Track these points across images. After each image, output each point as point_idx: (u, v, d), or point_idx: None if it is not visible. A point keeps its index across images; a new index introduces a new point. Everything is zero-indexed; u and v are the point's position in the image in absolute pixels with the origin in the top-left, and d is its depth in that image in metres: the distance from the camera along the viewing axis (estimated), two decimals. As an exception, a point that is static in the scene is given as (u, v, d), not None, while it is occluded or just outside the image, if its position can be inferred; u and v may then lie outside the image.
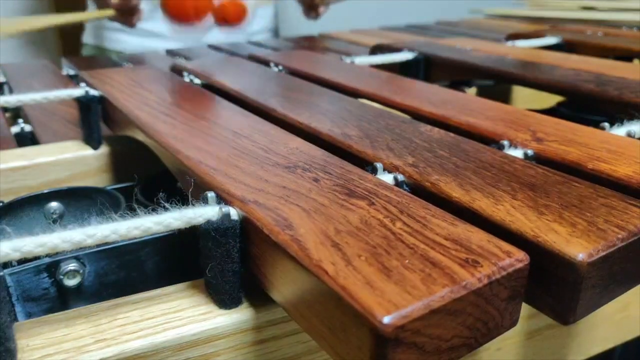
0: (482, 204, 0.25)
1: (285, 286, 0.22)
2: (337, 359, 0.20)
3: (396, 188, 0.26)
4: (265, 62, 0.58)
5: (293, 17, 1.26)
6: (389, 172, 0.29)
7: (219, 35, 1.06)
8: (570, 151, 0.31)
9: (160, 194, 0.28)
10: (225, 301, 0.25)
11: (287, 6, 1.25)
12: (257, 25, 1.12)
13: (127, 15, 0.93)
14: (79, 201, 0.39)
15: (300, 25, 1.18)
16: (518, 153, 0.31)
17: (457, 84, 0.62)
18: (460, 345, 0.20)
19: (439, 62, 0.59)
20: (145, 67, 0.56)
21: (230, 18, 1.05)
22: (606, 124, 0.35)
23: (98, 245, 0.24)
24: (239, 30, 1.08)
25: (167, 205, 0.25)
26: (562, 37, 0.69)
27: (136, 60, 0.82)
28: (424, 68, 0.60)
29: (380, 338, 0.17)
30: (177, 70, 0.56)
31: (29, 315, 0.29)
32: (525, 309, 0.22)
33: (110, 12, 0.92)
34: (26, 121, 0.54)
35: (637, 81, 0.44)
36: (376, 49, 0.66)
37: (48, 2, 1.36)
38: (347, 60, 0.60)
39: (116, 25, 1.01)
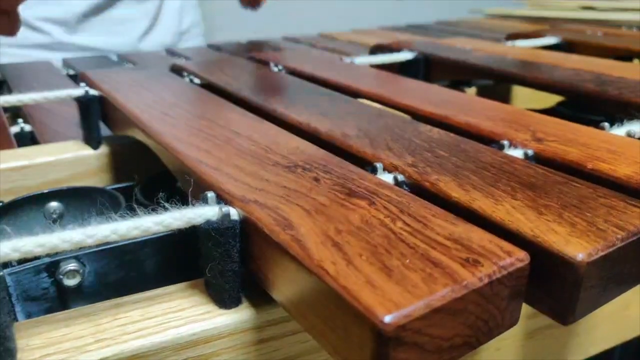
0: (481, 203, 0.25)
1: (285, 286, 0.22)
2: (338, 358, 0.20)
3: (396, 188, 0.26)
4: (265, 62, 0.58)
5: (217, 9, 1.20)
6: (389, 172, 0.29)
7: (153, 40, 1.01)
8: (570, 151, 0.31)
9: (160, 194, 0.28)
10: (225, 301, 0.25)
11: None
12: (186, 21, 1.07)
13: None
14: (79, 201, 0.39)
15: (227, 17, 1.12)
16: (518, 153, 0.31)
17: (457, 84, 0.62)
18: (461, 344, 0.20)
19: (439, 62, 0.59)
20: (145, 67, 0.56)
21: None
22: (606, 124, 0.35)
23: (98, 245, 0.24)
24: (172, 32, 1.04)
25: (167, 205, 0.25)
26: (562, 37, 0.69)
27: (136, 60, 0.82)
28: (424, 68, 0.60)
29: (381, 337, 0.17)
30: (177, 70, 0.56)
31: (29, 315, 0.29)
32: (525, 308, 0.22)
33: None
34: (26, 121, 0.54)
35: (637, 81, 0.44)
36: (376, 49, 0.66)
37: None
38: (347, 60, 0.60)
39: (26, 40, 0.88)
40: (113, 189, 0.40)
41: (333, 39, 0.98)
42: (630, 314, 0.40)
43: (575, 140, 0.32)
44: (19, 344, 0.23)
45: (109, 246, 0.30)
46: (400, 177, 0.28)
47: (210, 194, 0.26)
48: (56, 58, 0.88)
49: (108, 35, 0.98)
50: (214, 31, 1.27)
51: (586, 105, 0.49)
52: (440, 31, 1.01)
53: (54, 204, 0.38)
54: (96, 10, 0.96)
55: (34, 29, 0.93)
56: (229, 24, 1.25)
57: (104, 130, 0.46)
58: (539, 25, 0.96)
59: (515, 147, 0.32)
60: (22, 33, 0.60)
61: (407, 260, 0.20)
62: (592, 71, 0.48)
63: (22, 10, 0.57)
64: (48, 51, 0.94)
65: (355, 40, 0.94)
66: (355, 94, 0.46)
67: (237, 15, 1.01)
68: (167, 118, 0.38)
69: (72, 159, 0.44)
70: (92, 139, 0.45)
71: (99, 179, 0.45)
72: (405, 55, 0.60)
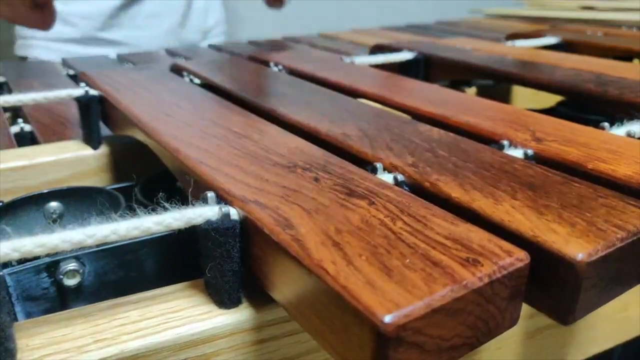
0: (481, 203, 0.25)
1: (285, 286, 0.22)
2: (338, 358, 0.20)
3: (396, 188, 0.26)
4: (265, 62, 0.58)
5: (242, 7, 1.21)
6: (389, 172, 0.29)
7: (180, 37, 1.03)
8: (570, 151, 0.31)
9: (160, 193, 0.28)
10: (224, 301, 0.25)
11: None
12: (211, 19, 1.09)
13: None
14: (79, 201, 0.39)
15: (251, 16, 1.12)
16: (518, 153, 0.31)
17: (457, 84, 0.62)
18: (461, 345, 0.20)
19: (439, 62, 0.59)
20: (145, 67, 0.56)
21: None
22: (606, 124, 0.35)
23: (98, 245, 0.24)
24: (197, 29, 1.06)
25: (166, 205, 0.25)
26: (562, 37, 0.69)
27: (136, 60, 0.82)
28: (424, 68, 0.60)
29: (381, 337, 0.17)
30: (177, 70, 0.56)
31: (29, 315, 0.29)
32: (525, 308, 0.22)
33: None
34: (26, 121, 0.54)
35: (637, 81, 0.44)
36: (376, 49, 0.66)
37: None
38: (347, 60, 0.60)
39: (59, 34, 0.91)
40: (113, 189, 0.40)
41: (333, 39, 0.98)
42: (629, 314, 0.40)
43: (575, 140, 0.32)
44: (19, 344, 0.23)
45: (109, 246, 0.30)
46: (400, 177, 0.28)
47: (210, 194, 0.26)
48: (87, 53, 0.91)
49: (137, 30, 0.99)
50: (237, 31, 1.27)
51: (586, 105, 0.49)
52: (440, 31, 1.01)
53: (54, 204, 0.38)
54: (126, 6, 0.98)
55: (67, 23, 0.95)
56: (253, 23, 1.25)
57: (104, 130, 0.46)
58: (539, 25, 0.96)
59: (515, 147, 0.32)
60: (56, 27, 0.62)
61: (407, 260, 0.20)
62: (592, 71, 0.48)
63: (57, 5, 0.58)
64: (79, 46, 0.96)
65: (355, 40, 0.94)
66: (355, 94, 0.46)
67: (261, 14, 1.02)
68: (167, 118, 0.38)
69: (72, 159, 0.44)
70: (92, 139, 0.45)
71: (99, 179, 0.45)
72: (405, 55, 0.60)
